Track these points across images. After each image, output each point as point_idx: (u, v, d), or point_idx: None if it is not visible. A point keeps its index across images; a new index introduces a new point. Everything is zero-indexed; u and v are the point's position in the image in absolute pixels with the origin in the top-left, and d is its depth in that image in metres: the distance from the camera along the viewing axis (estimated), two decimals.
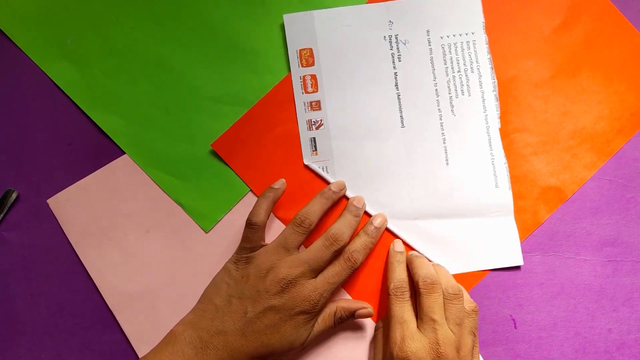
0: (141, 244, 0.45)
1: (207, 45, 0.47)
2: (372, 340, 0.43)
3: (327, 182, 0.44)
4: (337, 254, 0.40)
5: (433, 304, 0.38)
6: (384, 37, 0.45)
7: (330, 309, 0.40)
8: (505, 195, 0.44)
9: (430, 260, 0.43)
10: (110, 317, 0.44)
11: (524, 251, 0.44)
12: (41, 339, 0.45)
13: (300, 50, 0.46)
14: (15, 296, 0.45)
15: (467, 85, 0.45)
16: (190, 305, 0.41)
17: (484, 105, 0.45)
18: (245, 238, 0.41)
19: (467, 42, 0.45)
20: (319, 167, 0.44)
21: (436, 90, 0.45)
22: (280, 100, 0.46)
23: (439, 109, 0.45)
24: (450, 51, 0.45)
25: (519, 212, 0.44)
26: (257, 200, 0.42)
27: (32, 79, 0.47)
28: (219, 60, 0.47)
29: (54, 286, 0.45)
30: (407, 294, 0.40)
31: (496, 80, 0.45)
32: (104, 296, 0.44)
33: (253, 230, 0.40)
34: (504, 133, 0.45)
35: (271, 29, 0.47)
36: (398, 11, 0.46)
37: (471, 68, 0.45)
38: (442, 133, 0.45)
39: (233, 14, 0.47)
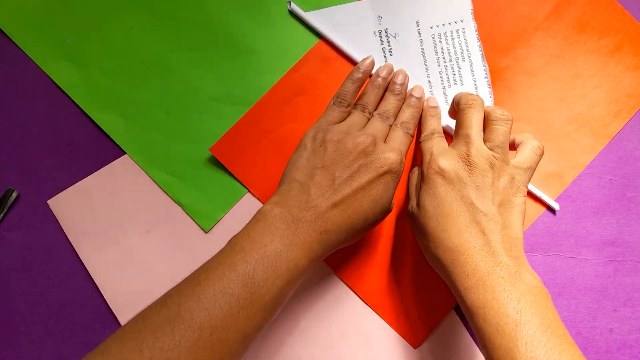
0: (141, 244, 0.45)
1: (207, 45, 0.47)
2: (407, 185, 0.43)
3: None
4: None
5: (470, 119, 0.37)
6: (374, 32, 0.46)
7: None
8: None
9: None
10: (111, 317, 0.44)
11: (524, 251, 0.44)
12: (41, 339, 0.44)
13: None
14: (15, 296, 0.45)
15: (459, 74, 0.45)
16: None
17: (476, 93, 0.45)
18: (327, 112, 0.40)
19: (457, 30, 0.46)
20: None
21: (429, 81, 0.45)
22: (279, 101, 0.46)
23: None
24: (440, 41, 0.46)
25: None
26: (346, 80, 0.41)
27: (32, 79, 0.47)
28: (219, 60, 0.47)
29: (54, 286, 0.45)
30: (440, 136, 0.40)
31: (487, 67, 0.45)
32: (104, 296, 0.44)
33: (357, 81, 0.41)
34: None
35: (271, 28, 0.47)
36: (386, 5, 0.46)
37: (462, 57, 0.45)
38: None
39: (233, 13, 0.47)
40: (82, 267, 0.45)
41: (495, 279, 0.32)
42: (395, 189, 0.37)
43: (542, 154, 0.38)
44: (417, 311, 0.43)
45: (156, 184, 0.46)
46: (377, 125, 0.39)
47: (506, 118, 0.37)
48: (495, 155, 0.36)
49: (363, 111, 0.40)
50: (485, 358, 0.32)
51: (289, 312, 0.44)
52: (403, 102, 0.42)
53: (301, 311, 0.44)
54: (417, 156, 0.45)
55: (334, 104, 0.40)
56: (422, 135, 0.41)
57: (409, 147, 0.40)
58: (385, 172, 0.36)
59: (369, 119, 0.40)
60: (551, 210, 0.44)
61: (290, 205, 0.34)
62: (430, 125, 0.41)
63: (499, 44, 0.46)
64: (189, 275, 0.32)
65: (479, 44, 0.46)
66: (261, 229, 0.33)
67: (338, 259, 0.44)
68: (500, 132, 0.37)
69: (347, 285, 0.44)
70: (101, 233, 0.45)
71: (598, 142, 0.45)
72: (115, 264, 0.45)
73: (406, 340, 0.43)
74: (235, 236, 0.34)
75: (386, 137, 0.39)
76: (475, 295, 0.32)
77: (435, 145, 0.38)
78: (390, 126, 0.40)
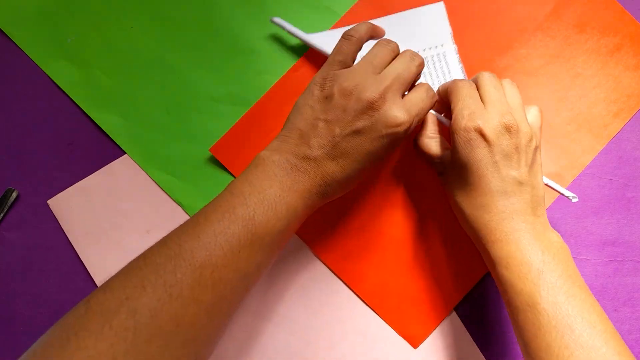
0: (141, 243, 0.45)
1: (207, 45, 0.47)
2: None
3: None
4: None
5: (488, 85, 0.37)
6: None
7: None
8: None
9: None
10: None
11: None
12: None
13: None
14: (15, 296, 0.45)
15: None
16: None
17: None
18: (337, 50, 0.37)
19: (438, 54, 0.45)
20: None
21: None
22: (279, 101, 0.46)
23: None
24: None
25: None
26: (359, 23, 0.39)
27: (32, 79, 0.47)
28: (219, 60, 0.47)
29: (54, 286, 0.45)
30: (472, 83, 0.38)
31: None
32: None
33: (348, 42, 0.37)
34: None
35: (271, 28, 0.47)
36: None
37: (445, 79, 0.45)
38: None
39: (233, 13, 0.47)
40: (82, 266, 0.45)
41: (519, 234, 0.34)
42: (398, 145, 0.36)
43: (542, 114, 0.39)
44: (418, 311, 0.43)
45: (156, 184, 0.46)
46: (400, 69, 0.36)
47: (510, 82, 0.38)
48: (523, 118, 0.36)
49: (388, 43, 0.38)
50: (507, 305, 0.34)
51: (289, 312, 0.43)
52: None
53: (301, 311, 0.44)
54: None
55: (343, 37, 0.38)
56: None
57: (425, 112, 0.37)
58: (388, 134, 0.34)
59: (395, 55, 0.38)
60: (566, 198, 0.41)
61: (289, 152, 0.34)
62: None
63: (498, 43, 0.46)
64: (188, 219, 0.32)
65: (460, 65, 0.45)
66: (260, 174, 0.33)
67: (338, 259, 0.44)
68: (514, 93, 0.37)
69: (347, 286, 0.44)
70: (101, 233, 0.45)
71: (598, 142, 0.45)
72: (115, 264, 0.44)
73: (406, 341, 0.43)
74: (233, 181, 0.34)
75: (408, 89, 0.37)
76: (499, 247, 0.34)
77: (472, 102, 0.36)
78: (418, 76, 0.38)
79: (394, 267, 0.44)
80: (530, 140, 0.35)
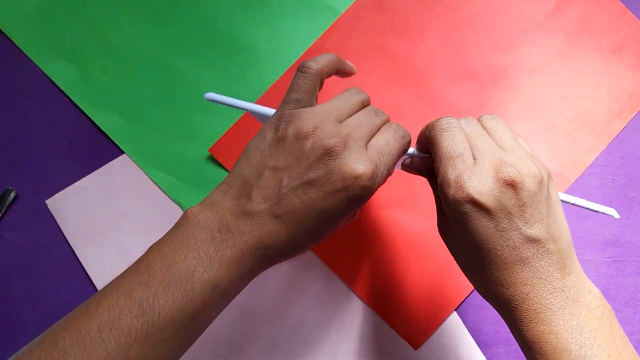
0: (140, 244, 0.45)
1: (207, 44, 0.47)
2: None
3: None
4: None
5: (476, 133, 0.30)
6: None
7: None
8: None
9: None
10: None
11: None
12: None
13: None
14: (14, 296, 0.45)
15: None
16: None
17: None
18: (292, 86, 0.31)
19: None
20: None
21: None
22: (279, 100, 0.45)
23: None
24: None
25: None
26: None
27: (31, 78, 0.47)
28: (219, 59, 0.47)
29: (51, 286, 0.45)
30: (457, 127, 0.30)
31: None
32: None
33: (305, 75, 0.31)
34: None
35: (271, 28, 0.47)
36: None
37: None
38: None
39: (233, 13, 0.47)
40: (80, 267, 0.45)
41: (551, 310, 0.27)
42: (360, 206, 0.30)
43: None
44: (418, 312, 0.43)
45: (155, 183, 0.45)
46: (364, 118, 0.30)
47: (491, 117, 0.32)
48: (523, 157, 0.29)
49: (360, 93, 0.32)
50: None
51: (289, 313, 0.43)
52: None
53: (301, 313, 0.43)
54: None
55: (299, 70, 0.32)
56: (433, 124, 0.31)
57: (394, 159, 0.30)
58: (346, 188, 0.28)
59: (363, 106, 0.32)
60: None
61: (225, 208, 0.28)
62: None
63: (500, 42, 0.46)
64: (83, 303, 0.27)
65: None
66: (177, 241, 0.28)
67: (338, 258, 0.44)
68: (501, 128, 0.31)
69: (348, 287, 0.43)
70: (99, 233, 0.45)
71: (600, 142, 0.45)
72: (113, 264, 0.44)
73: (407, 342, 0.43)
74: (151, 247, 0.29)
75: (372, 138, 0.30)
76: (529, 328, 0.27)
77: (461, 155, 0.29)
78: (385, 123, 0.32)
79: (395, 268, 0.43)
80: (541, 182, 0.28)
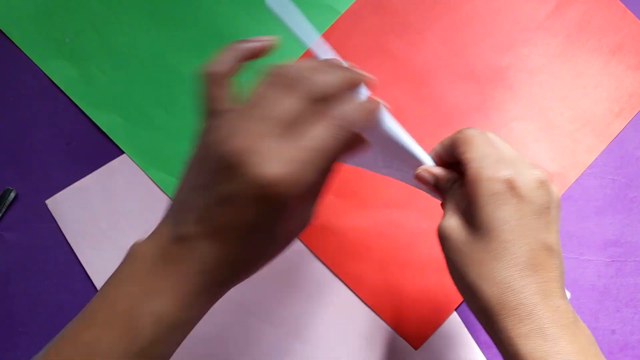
0: None
1: (207, 43, 0.47)
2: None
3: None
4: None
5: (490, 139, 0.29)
6: None
7: None
8: None
9: None
10: None
11: None
12: (40, 339, 0.44)
13: None
14: (14, 296, 0.45)
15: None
16: None
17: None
18: (203, 98, 0.28)
19: None
20: None
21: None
22: None
23: None
24: None
25: None
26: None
27: (31, 78, 0.47)
28: None
29: (52, 286, 0.45)
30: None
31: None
32: None
33: (210, 81, 0.27)
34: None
35: (272, 27, 0.47)
36: None
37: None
38: None
39: (233, 12, 0.47)
40: (80, 267, 0.45)
41: (557, 327, 0.26)
42: (293, 212, 0.25)
43: None
44: (418, 312, 0.43)
45: (155, 183, 0.45)
46: (286, 106, 0.24)
47: (494, 134, 0.31)
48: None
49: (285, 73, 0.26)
50: None
51: (289, 313, 0.43)
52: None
53: (301, 313, 0.43)
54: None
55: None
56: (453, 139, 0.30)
57: (335, 156, 0.25)
58: (263, 199, 0.23)
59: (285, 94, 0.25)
60: None
61: (163, 235, 0.26)
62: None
63: (500, 42, 0.46)
64: (42, 350, 0.27)
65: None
66: (119, 277, 0.26)
67: (338, 259, 0.44)
68: (509, 147, 0.30)
69: (348, 287, 0.43)
70: (99, 233, 0.45)
71: (600, 142, 0.45)
72: (113, 264, 0.44)
73: (407, 342, 0.43)
74: (102, 287, 0.27)
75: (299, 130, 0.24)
76: (533, 345, 0.26)
77: (493, 151, 0.28)
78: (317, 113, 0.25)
79: (394, 268, 0.43)
80: (559, 199, 0.29)
